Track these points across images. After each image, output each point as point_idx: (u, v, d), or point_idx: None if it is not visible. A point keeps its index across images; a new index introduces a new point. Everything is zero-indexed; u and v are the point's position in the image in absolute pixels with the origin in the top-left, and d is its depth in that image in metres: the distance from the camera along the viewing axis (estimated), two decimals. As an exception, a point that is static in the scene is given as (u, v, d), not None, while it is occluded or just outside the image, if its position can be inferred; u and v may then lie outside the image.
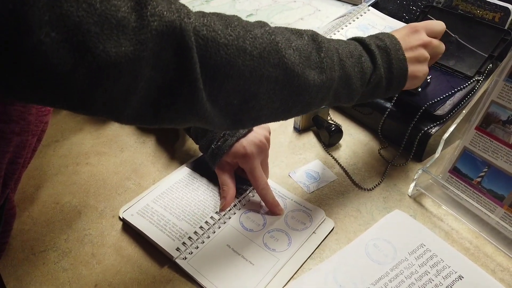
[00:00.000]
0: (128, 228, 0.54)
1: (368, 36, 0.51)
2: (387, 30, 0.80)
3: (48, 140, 0.68)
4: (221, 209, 0.55)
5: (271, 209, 0.56)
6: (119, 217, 0.55)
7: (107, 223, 0.55)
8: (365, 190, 0.60)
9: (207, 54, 0.34)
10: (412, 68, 0.51)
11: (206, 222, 0.54)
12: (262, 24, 0.39)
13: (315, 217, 0.55)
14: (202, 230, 0.53)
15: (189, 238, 0.52)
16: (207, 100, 0.36)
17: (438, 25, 0.56)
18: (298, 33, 0.42)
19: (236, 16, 0.38)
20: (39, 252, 0.51)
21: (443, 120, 0.62)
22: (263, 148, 0.56)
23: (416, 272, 0.49)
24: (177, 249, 0.50)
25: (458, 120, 0.56)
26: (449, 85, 0.65)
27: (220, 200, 0.56)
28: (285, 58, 0.39)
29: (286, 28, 0.42)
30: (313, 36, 0.43)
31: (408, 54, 0.51)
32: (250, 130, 0.57)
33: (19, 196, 0.59)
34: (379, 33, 0.52)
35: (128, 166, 0.64)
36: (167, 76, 0.32)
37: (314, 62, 0.42)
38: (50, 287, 0.48)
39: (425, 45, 0.53)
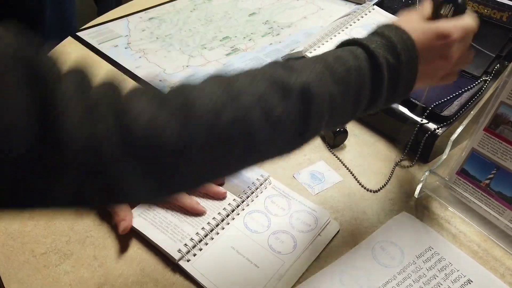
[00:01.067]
0: (130, 231, 0.53)
1: (381, 39, 0.40)
2: (392, 30, 0.79)
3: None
4: (122, 232, 0.51)
5: (192, 210, 0.53)
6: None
7: (108, 226, 0.54)
8: (371, 191, 0.59)
9: (153, 160, 0.29)
10: (419, 84, 0.43)
11: (208, 223, 0.53)
12: (234, 96, 0.31)
13: (320, 219, 0.54)
14: (204, 231, 0.52)
15: (191, 239, 0.51)
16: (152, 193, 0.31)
17: (473, 26, 0.45)
18: (287, 88, 0.34)
19: (208, 89, 0.31)
20: (40, 255, 0.51)
21: (450, 121, 0.61)
22: None
23: (424, 275, 0.48)
24: (179, 250, 0.49)
25: (466, 121, 0.55)
26: (456, 86, 0.64)
27: (119, 224, 0.51)
28: (256, 147, 0.33)
29: (273, 80, 0.34)
30: (305, 92, 0.34)
31: (421, 68, 0.42)
32: None
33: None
34: (396, 31, 0.41)
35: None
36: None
37: (295, 132, 0.35)
38: (51, 290, 0.47)
39: (449, 61, 0.44)
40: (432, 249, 0.51)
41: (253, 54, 0.92)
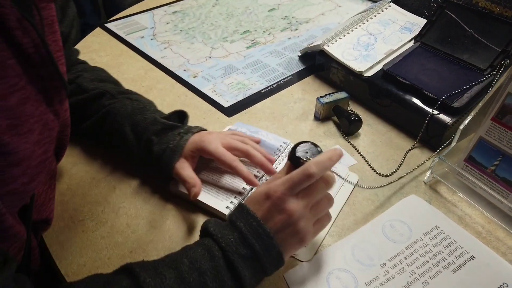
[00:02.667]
0: (160, 204, 0.58)
1: (232, 233, 0.44)
2: (408, 26, 0.82)
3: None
4: (193, 197, 0.55)
5: (248, 181, 0.57)
6: (171, 190, 0.59)
7: (140, 198, 0.59)
8: (382, 176, 0.63)
9: None
10: (294, 248, 0.47)
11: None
12: None
13: (340, 173, 0.59)
14: (245, 191, 0.57)
15: (235, 197, 0.57)
16: None
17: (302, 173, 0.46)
18: None
19: None
20: (78, 221, 0.56)
21: (460, 112, 0.65)
22: (216, 133, 0.60)
23: (430, 251, 0.52)
24: (227, 207, 0.55)
25: (475, 111, 0.58)
26: (467, 79, 0.68)
27: (191, 190, 0.55)
28: None
29: None
30: None
31: (282, 242, 0.45)
32: (201, 129, 0.61)
33: (59, 174, 0.63)
34: (246, 219, 0.45)
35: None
36: None
37: None
38: (89, 251, 0.52)
39: (288, 214, 0.45)
40: (438, 228, 0.54)
41: (272, 47, 0.96)
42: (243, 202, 0.48)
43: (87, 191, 0.60)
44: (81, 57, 0.91)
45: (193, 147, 0.58)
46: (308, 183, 0.46)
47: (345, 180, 0.59)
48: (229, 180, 0.59)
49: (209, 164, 0.62)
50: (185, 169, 0.57)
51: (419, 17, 0.83)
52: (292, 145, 0.67)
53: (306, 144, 0.51)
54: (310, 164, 0.46)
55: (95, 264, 0.51)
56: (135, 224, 0.55)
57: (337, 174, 0.56)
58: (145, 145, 0.59)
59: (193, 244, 0.45)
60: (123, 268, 0.42)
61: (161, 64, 0.90)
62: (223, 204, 0.56)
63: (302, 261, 0.51)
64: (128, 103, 0.63)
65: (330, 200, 0.50)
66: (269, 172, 0.60)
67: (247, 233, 0.44)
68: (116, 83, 0.70)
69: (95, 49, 0.94)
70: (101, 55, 0.93)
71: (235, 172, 0.57)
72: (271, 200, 0.45)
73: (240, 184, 0.58)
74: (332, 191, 0.58)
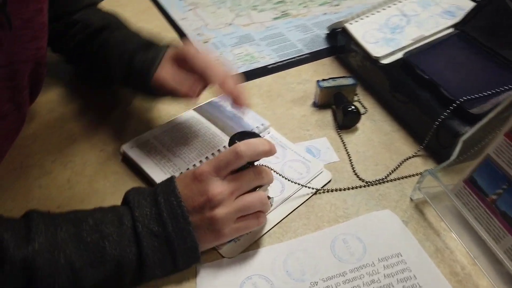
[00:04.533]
0: (108, 167, 0.55)
1: (150, 207, 0.41)
2: (452, 10, 0.68)
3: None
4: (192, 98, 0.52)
5: (237, 99, 0.48)
6: (120, 152, 0.56)
7: (92, 157, 0.56)
8: (362, 181, 0.53)
9: None
10: (213, 243, 0.44)
11: (200, 161, 0.53)
12: None
13: (312, 168, 0.54)
14: (195, 168, 0.52)
15: (181, 173, 0.52)
16: None
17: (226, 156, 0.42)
18: (5, 258, 0.35)
19: None
20: (26, 167, 0.55)
21: (479, 121, 0.51)
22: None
23: (378, 281, 0.42)
24: None
25: (484, 121, 0.45)
26: (502, 81, 0.53)
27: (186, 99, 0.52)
28: None
29: None
30: (26, 265, 0.35)
31: (200, 231, 0.41)
32: None
33: (31, 117, 0.62)
34: (168, 197, 0.41)
35: (138, 110, 0.64)
36: None
37: None
38: (21, 198, 0.51)
39: (207, 195, 0.41)
40: (400, 256, 0.44)
41: (301, 21, 0.87)
42: (175, 177, 0.43)
43: (48, 139, 0.59)
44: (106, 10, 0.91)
45: (173, 51, 0.53)
46: (235, 164, 0.42)
47: (313, 178, 0.51)
48: (181, 155, 0.54)
49: (169, 133, 0.57)
50: (168, 76, 0.51)
51: (469, 1, 0.68)
52: (272, 129, 0.60)
53: (253, 135, 0.46)
54: (239, 144, 0.42)
55: (21, 212, 0.49)
56: (76, 181, 0.53)
57: (291, 179, 0.49)
58: (127, 60, 0.54)
59: (106, 207, 0.42)
60: (26, 212, 0.41)
61: (178, 26, 0.85)
62: (165, 177, 0.51)
63: (223, 257, 0.45)
64: (124, 30, 0.60)
65: (261, 200, 0.43)
66: (240, 103, 0.49)
67: (163, 210, 0.40)
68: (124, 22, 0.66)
69: (121, 4, 0.93)
70: (126, 10, 0.91)
71: (223, 89, 0.48)
72: (195, 177, 0.42)
73: (191, 160, 0.53)
74: (292, 189, 0.50)
